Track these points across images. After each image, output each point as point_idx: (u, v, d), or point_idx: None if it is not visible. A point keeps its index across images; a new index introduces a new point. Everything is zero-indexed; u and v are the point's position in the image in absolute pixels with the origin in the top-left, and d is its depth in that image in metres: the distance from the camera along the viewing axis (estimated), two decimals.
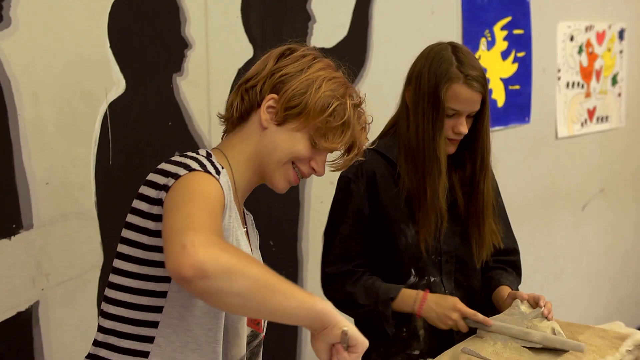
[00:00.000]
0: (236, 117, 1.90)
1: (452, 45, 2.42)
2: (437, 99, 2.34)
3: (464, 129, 2.39)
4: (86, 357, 1.81)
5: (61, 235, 2.50)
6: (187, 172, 1.67)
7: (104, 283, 2.60)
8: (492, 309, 2.48)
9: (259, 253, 2.06)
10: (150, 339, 1.74)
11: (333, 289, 2.49)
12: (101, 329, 1.78)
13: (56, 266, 2.50)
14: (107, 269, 2.56)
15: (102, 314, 1.79)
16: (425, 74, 2.38)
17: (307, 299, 1.53)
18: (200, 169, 1.68)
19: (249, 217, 2.08)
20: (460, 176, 2.52)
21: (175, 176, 1.66)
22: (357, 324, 2.60)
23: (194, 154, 1.77)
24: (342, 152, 1.92)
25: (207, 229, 1.49)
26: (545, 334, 2.26)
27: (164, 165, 1.73)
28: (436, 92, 2.34)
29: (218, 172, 1.71)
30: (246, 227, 1.98)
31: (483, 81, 2.38)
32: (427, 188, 2.40)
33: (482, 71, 2.39)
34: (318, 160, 1.89)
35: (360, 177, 2.44)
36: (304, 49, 1.92)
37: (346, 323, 1.57)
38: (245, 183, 1.90)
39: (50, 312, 2.51)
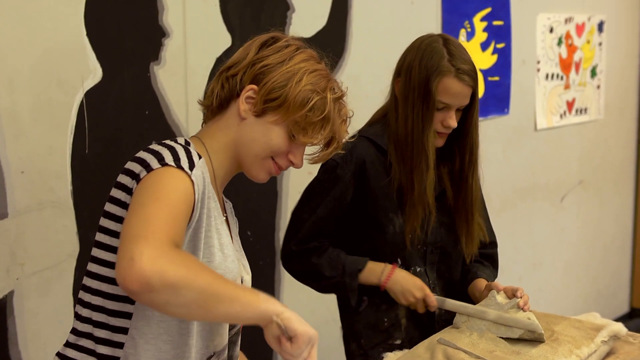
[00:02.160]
0: (216, 105, 1.89)
1: (444, 38, 2.40)
2: (427, 92, 2.33)
3: (454, 122, 2.38)
4: (65, 344, 1.81)
5: (36, 225, 2.49)
6: (159, 165, 1.67)
7: (79, 273, 2.59)
8: (468, 302, 2.49)
9: (239, 240, 2.05)
10: (124, 330, 1.75)
11: (297, 261, 2.49)
12: (78, 317, 1.79)
13: (31, 255, 2.49)
14: (83, 258, 2.56)
15: (80, 302, 1.80)
16: (416, 66, 2.36)
17: (251, 301, 1.58)
18: (172, 163, 1.67)
19: (229, 205, 2.07)
20: (449, 169, 2.52)
21: (148, 168, 1.67)
22: (342, 311, 2.61)
23: (172, 143, 1.76)
24: (322, 145, 1.89)
25: (161, 238, 1.53)
26: (500, 313, 2.28)
27: (140, 154, 1.73)
28: (427, 85, 2.33)
29: (192, 166, 1.70)
30: (226, 215, 1.96)
31: (474, 75, 2.37)
32: (414, 181, 2.40)
33: (473, 65, 2.38)
34: (296, 153, 1.87)
35: (348, 163, 2.42)
36: (287, 39, 1.89)
37: (286, 315, 1.59)
38: (224, 172, 1.89)
39: (25, 301, 2.49)
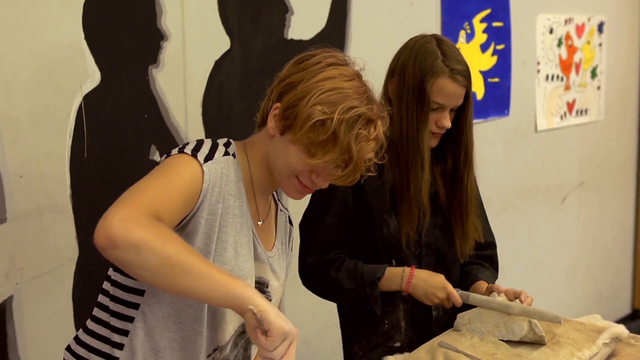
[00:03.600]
0: (260, 121, 1.95)
1: (437, 38, 2.40)
2: (422, 92, 2.33)
3: (448, 123, 2.38)
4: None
5: (36, 229, 2.48)
6: (176, 152, 1.79)
7: (79, 277, 2.58)
8: (468, 304, 2.48)
9: (283, 247, 2.08)
10: (136, 306, 1.83)
11: (315, 277, 2.47)
12: (102, 291, 1.91)
13: (31, 260, 2.48)
14: (83, 262, 2.56)
15: (101, 291, 1.91)
16: (410, 67, 2.36)
17: (225, 283, 1.61)
18: (189, 152, 1.77)
19: (283, 214, 2.12)
20: (442, 169, 2.52)
21: (168, 154, 1.80)
22: (343, 314, 2.60)
23: (209, 139, 1.88)
24: (343, 166, 1.83)
25: (141, 206, 1.61)
26: (524, 306, 2.27)
27: None
28: (422, 86, 2.33)
29: (210, 158, 1.78)
30: (262, 220, 1.98)
31: (468, 75, 2.37)
32: (410, 182, 2.39)
33: (467, 65, 2.39)
34: (319, 172, 1.85)
35: None
36: (322, 55, 1.89)
37: (263, 307, 1.60)
38: (263, 181, 1.95)
39: (24, 306, 2.48)
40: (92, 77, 2.57)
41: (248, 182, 1.90)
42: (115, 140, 2.66)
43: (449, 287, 2.40)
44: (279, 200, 2.13)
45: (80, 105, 2.55)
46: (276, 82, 1.89)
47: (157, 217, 1.63)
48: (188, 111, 2.84)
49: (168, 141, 2.79)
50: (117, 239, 1.55)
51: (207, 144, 1.83)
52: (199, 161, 1.76)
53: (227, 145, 1.87)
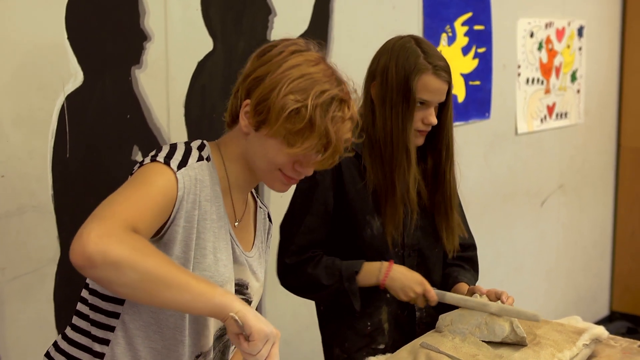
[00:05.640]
0: (229, 121, 1.93)
1: (414, 38, 2.43)
2: (407, 90, 2.35)
3: (434, 119, 2.40)
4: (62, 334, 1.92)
5: (17, 229, 2.47)
6: (149, 161, 1.75)
7: (60, 277, 2.57)
8: (449, 306, 2.49)
9: (262, 246, 2.08)
10: (116, 315, 1.82)
11: (294, 276, 2.48)
12: (76, 313, 1.89)
13: (12, 260, 2.47)
14: (64, 263, 2.55)
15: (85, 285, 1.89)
16: (393, 67, 2.38)
17: (204, 292, 1.61)
18: (161, 160, 1.74)
19: (262, 211, 2.11)
20: (422, 168, 2.53)
21: (141, 164, 1.77)
22: (322, 315, 2.60)
23: (180, 143, 1.85)
24: (322, 151, 1.83)
25: (117, 219, 1.59)
26: (502, 305, 2.29)
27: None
28: (407, 84, 2.35)
29: (183, 164, 1.75)
30: (238, 221, 1.96)
31: (449, 71, 2.41)
32: (396, 182, 2.40)
33: (447, 61, 2.42)
34: (302, 162, 1.85)
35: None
36: (283, 44, 1.87)
37: (243, 313, 1.62)
38: (241, 180, 1.93)
39: (6, 306, 2.47)
40: (74, 77, 2.57)
41: (225, 183, 1.89)
42: (98, 141, 2.65)
43: (427, 284, 2.42)
44: (257, 197, 2.12)
45: (63, 105, 2.54)
46: (241, 79, 1.87)
47: (134, 229, 1.61)
48: (170, 112, 2.84)
49: (150, 142, 2.78)
50: (94, 258, 1.52)
51: (180, 149, 1.81)
52: (172, 169, 1.73)
53: (200, 148, 1.85)
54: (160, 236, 1.76)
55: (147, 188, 1.69)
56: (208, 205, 1.81)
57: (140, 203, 1.66)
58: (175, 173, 1.73)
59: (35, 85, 2.48)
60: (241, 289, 1.95)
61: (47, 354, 1.93)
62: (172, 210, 1.73)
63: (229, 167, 1.89)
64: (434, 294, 2.40)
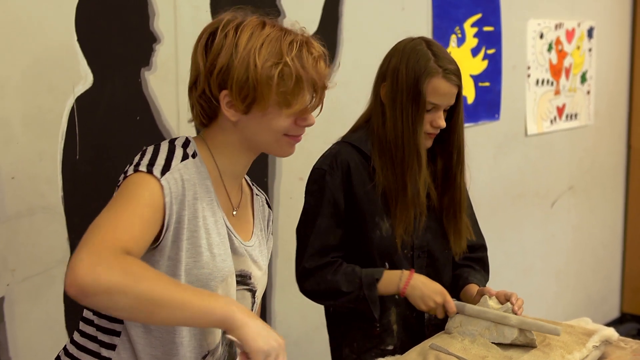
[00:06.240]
0: (205, 122, 1.89)
1: (425, 40, 2.43)
2: (417, 93, 2.35)
3: (443, 122, 2.40)
4: (70, 340, 1.92)
5: (27, 230, 2.48)
6: (132, 172, 1.73)
7: None
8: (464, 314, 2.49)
9: (262, 234, 2.07)
10: (119, 320, 1.83)
11: (313, 281, 2.46)
12: (82, 319, 1.90)
13: (22, 261, 2.48)
14: None
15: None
16: (403, 69, 2.38)
17: (204, 306, 1.61)
18: (144, 169, 1.72)
19: (259, 198, 2.10)
20: (432, 170, 2.53)
21: (126, 173, 1.75)
22: (331, 316, 2.60)
23: (162, 143, 1.82)
24: (312, 96, 1.84)
25: (106, 244, 1.57)
26: (523, 318, 2.28)
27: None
28: (416, 87, 2.35)
29: (167, 169, 1.73)
30: (236, 210, 1.96)
31: (459, 74, 2.40)
32: (407, 183, 2.40)
33: (457, 64, 2.42)
34: (302, 114, 1.85)
35: (335, 169, 2.43)
36: (223, 25, 1.82)
37: (242, 331, 1.61)
38: (232, 166, 1.90)
39: (15, 307, 2.48)
40: (84, 79, 2.57)
41: (216, 176, 1.87)
42: (107, 142, 2.65)
43: (447, 294, 2.41)
44: (253, 184, 2.11)
45: (73, 107, 2.55)
46: (203, 78, 1.81)
47: (126, 251, 1.60)
48: (180, 114, 2.84)
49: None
50: (86, 289, 1.52)
51: (163, 151, 1.78)
52: (155, 177, 1.71)
53: (185, 145, 1.83)
54: (157, 244, 1.76)
55: (133, 205, 1.67)
56: (197, 203, 1.79)
57: (127, 222, 1.64)
58: (159, 180, 1.71)
59: (45, 87, 2.48)
60: (244, 279, 1.94)
61: (58, 359, 1.93)
62: (164, 219, 1.73)
63: (218, 157, 1.87)
64: (453, 305, 2.39)
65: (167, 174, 1.72)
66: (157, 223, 1.71)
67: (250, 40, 1.78)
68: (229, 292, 1.87)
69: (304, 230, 2.49)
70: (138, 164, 1.74)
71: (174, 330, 1.82)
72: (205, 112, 1.86)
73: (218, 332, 1.91)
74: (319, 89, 1.84)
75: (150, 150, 1.79)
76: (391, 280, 2.42)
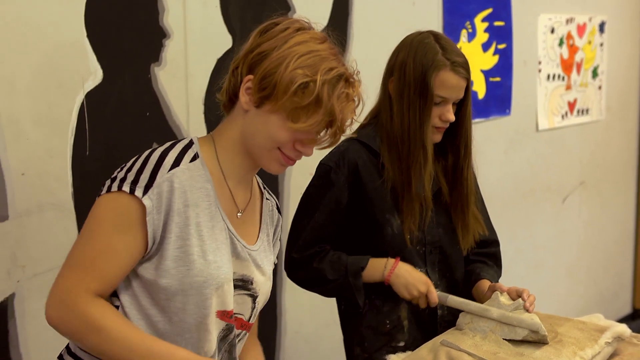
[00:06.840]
0: (226, 100, 1.89)
1: (433, 34, 2.42)
2: (425, 86, 2.34)
3: (452, 116, 2.39)
4: None
5: (37, 227, 2.48)
6: (106, 191, 1.76)
7: None
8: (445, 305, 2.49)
9: (268, 239, 2.05)
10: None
11: (299, 269, 2.48)
12: None
13: (32, 258, 2.48)
14: None
15: None
16: (411, 63, 2.37)
17: (165, 354, 1.72)
18: (126, 188, 1.73)
19: (269, 202, 2.08)
20: (443, 165, 2.52)
21: (101, 190, 1.79)
22: (342, 314, 2.59)
23: (159, 150, 1.81)
24: (325, 129, 1.82)
25: (74, 291, 1.72)
26: (503, 312, 2.27)
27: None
28: (424, 80, 2.34)
29: (151, 184, 1.73)
30: (242, 212, 1.93)
31: (467, 67, 2.39)
32: (412, 177, 2.39)
33: (465, 57, 2.41)
34: (303, 141, 1.82)
35: (341, 167, 2.42)
36: (288, 21, 1.85)
37: None
38: (237, 168, 1.88)
39: (26, 304, 2.48)
40: (94, 75, 2.57)
41: (219, 177, 1.85)
42: (117, 138, 2.65)
43: (431, 285, 2.41)
44: (264, 187, 2.09)
45: (82, 103, 2.55)
46: (242, 56, 1.83)
47: (96, 293, 1.73)
48: (190, 110, 2.84)
49: (170, 139, 2.73)
50: (58, 329, 1.74)
51: (151, 163, 1.76)
52: (136, 197, 1.72)
53: (185, 149, 1.82)
54: (145, 258, 1.77)
55: (108, 236, 1.73)
56: (189, 210, 1.77)
57: (99, 260, 1.73)
58: (141, 200, 1.72)
59: (55, 83, 2.48)
60: (245, 284, 1.92)
61: (60, 357, 1.93)
62: (147, 236, 1.74)
63: (224, 157, 1.86)
64: (435, 295, 2.40)
65: (150, 191, 1.72)
66: (138, 245, 1.74)
67: (300, 45, 1.78)
68: (225, 300, 1.85)
69: (299, 221, 2.49)
70: (123, 180, 1.74)
71: (160, 335, 1.82)
72: (231, 90, 1.86)
73: (213, 340, 1.88)
74: (334, 125, 1.79)
75: (138, 163, 1.78)
76: (376, 268, 2.42)
